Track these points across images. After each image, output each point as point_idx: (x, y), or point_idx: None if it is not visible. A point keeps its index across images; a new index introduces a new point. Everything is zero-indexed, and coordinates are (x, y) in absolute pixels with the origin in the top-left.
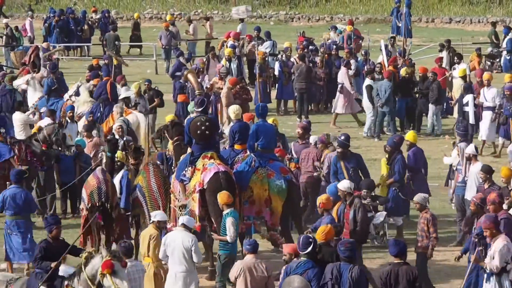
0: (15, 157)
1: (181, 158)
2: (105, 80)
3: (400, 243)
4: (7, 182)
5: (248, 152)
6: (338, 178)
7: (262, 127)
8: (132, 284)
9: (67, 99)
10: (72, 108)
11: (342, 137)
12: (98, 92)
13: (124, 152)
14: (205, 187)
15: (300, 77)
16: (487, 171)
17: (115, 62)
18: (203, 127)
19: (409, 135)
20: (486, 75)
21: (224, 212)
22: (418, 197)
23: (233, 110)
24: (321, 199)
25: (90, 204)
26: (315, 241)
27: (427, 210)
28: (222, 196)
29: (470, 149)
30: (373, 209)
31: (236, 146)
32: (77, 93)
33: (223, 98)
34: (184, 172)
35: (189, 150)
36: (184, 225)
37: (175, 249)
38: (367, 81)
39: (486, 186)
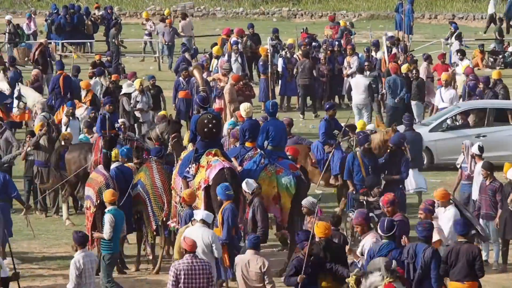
0: None
1: (182, 154)
2: (58, 74)
3: (465, 222)
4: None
5: (257, 150)
6: (354, 178)
7: (273, 125)
8: (86, 274)
9: (16, 109)
10: (72, 104)
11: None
12: (52, 86)
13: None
14: (210, 183)
15: (303, 74)
16: (488, 167)
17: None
18: (210, 125)
19: (359, 124)
20: (444, 76)
21: (106, 210)
22: (306, 201)
23: (244, 108)
24: (183, 193)
25: (99, 201)
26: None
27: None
28: (107, 195)
29: (473, 149)
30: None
31: (247, 144)
32: (18, 97)
33: (226, 94)
34: (187, 169)
35: (190, 147)
36: (203, 221)
37: None
38: (364, 78)
39: (487, 182)
